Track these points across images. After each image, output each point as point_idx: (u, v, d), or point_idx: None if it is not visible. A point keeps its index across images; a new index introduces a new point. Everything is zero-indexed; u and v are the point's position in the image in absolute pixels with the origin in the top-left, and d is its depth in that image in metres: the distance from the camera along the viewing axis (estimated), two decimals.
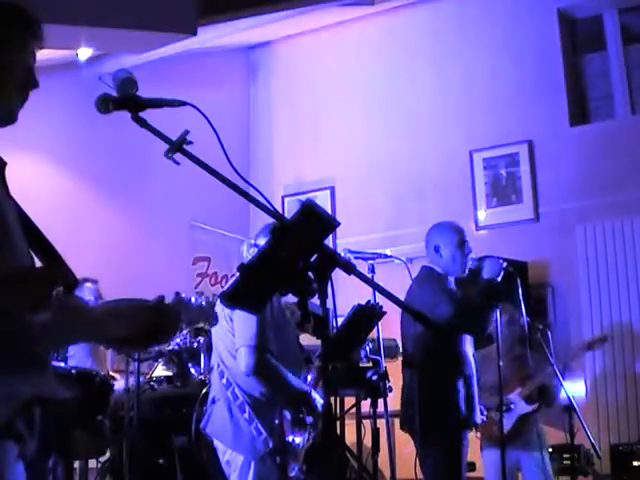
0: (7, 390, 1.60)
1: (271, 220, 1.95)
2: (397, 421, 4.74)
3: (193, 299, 2.04)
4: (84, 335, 1.94)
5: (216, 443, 3.52)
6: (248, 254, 3.63)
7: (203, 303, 2.07)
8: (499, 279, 4.28)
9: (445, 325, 4.09)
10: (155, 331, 1.85)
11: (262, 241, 3.54)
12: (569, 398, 4.84)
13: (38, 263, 1.82)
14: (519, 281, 4.40)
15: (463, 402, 4.14)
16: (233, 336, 3.47)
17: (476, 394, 4.26)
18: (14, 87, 1.81)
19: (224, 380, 3.49)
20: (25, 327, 1.61)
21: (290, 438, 3.42)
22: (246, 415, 3.40)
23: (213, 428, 3.51)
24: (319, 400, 3.48)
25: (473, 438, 5.48)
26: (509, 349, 5.29)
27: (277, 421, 3.40)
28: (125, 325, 1.81)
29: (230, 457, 3.44)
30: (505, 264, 4.35)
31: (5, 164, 1.83)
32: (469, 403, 4.19)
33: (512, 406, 5.26)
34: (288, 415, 3.45)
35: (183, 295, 2.00)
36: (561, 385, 4.90)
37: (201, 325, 5.15)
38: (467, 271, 4.36)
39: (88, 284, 5.53)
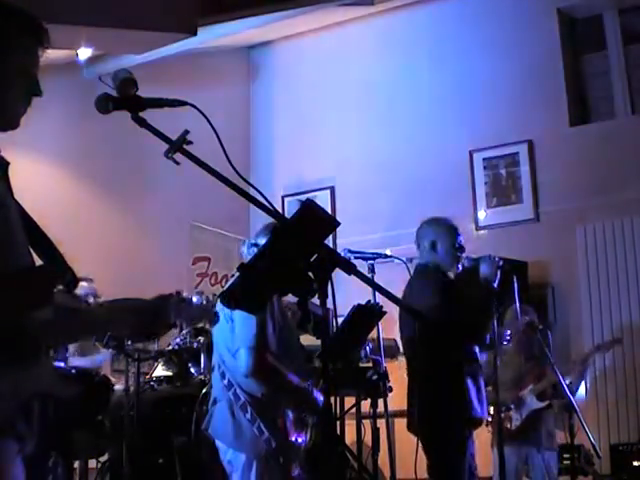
0: (8, 387, 1.61)
1: (271, 220, 1.95)
2: (397, 421, 4.75)
3: (194, 298, 2.04)
4: (84, 332, 1.95)
5: (218, 443, 3.51)
6: (248, 254, 3.62)
7: (204, 302, 2.07)
8: (496, 279, 4.23)
9: (445, 322, 4.08)
10: (151, 328, 1.87)
11: (262, 241, 3.53)
12: (569, 398, 4.85)
13: (38, 262, 1.83)
14: (515, 279, 4.39)
15: (474, 399, 4.09)
16: (233, 336, 3.46)
17: (483, 391, 4.22)
18: (18, 93, 1.81)
19: (225, 381, 3.48)
20: (26, 324, 1.61)
21: (293, 437, 3.42)
22: (248, 415, 3.39)
23: (215, 429, 3.51)
24: (320, 399, 3.48)
25: (479, 436, 5.52)
26: (526, 348, 5.35)
27: (280, 420, 3.40)
28: (123, 323, 1.82)
29: (232, 457, 3.44)
30: (501, 262, 4.31)
31: (8, 164, 1.84)
32: (478, 400, 4.16)
33: (524, 402, 5.32)
34: (290, 414, 3.45)
35: (184, 294, 2.00)
36: (562, 385, 4.91)
37: (201, 325, 5.17)
38: (460, 268, 4.35)
39: (83, 283, 5.52)
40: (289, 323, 3.62)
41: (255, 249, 3.52)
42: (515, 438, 5.29)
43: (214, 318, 2.13)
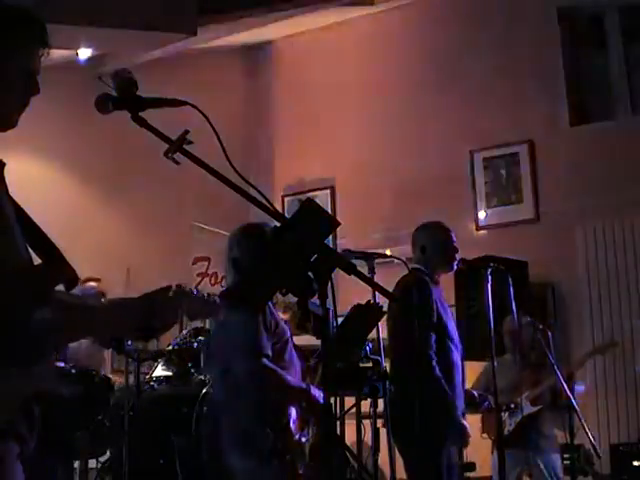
0: (9, 387, 1.61)
1: (260, 222, 1.94)
2: None
3: (194, 290, 2.03)
4: (84, 331, 1.94)
5: (224, 448, 3.54)
6: (228, 272, 3.67)
7: (205, 294, 2.06)
8: None
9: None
10: (152, 324, 1.86)
11: (237, 252, 3.57)
12: (569, 398, 4.84)
13: (37, 261, 1.82)
14: (510, 280, 4.35)
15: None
16: (230, 343, 3.49)
17: (461, 401, 4.32)
18: (16, 92, 1.80)
19: (228, 387, 3.52)
20: (25, 324, 1.61)
21: (297, 437, 3.45)
22: (253, 419, 3.42)
23: (221, 434, 3.54)
24: (320, 395, 3.49)
25: (477, 439, 5.51)
26: (523, 354, 5.38)
27: (284, 421, 3.42)
28: (123, 321, 1.82)
29: (239, 461, 3.46)
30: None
31: (4, 164, 1.84)
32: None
33: (518, 407, 5.33)
34: (294, 414, 3.47)
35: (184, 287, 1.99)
36: (562, 385, 4.91)
37: (201, 325, 5.17)
38: (454, 269, 4.39)
39: (91, 283, 5.52)
40: (282, 324, 3.63)
41: (232, 263, 3.57)
42: (510, 443, 5.28)
43: (216, 310, 2.11)
